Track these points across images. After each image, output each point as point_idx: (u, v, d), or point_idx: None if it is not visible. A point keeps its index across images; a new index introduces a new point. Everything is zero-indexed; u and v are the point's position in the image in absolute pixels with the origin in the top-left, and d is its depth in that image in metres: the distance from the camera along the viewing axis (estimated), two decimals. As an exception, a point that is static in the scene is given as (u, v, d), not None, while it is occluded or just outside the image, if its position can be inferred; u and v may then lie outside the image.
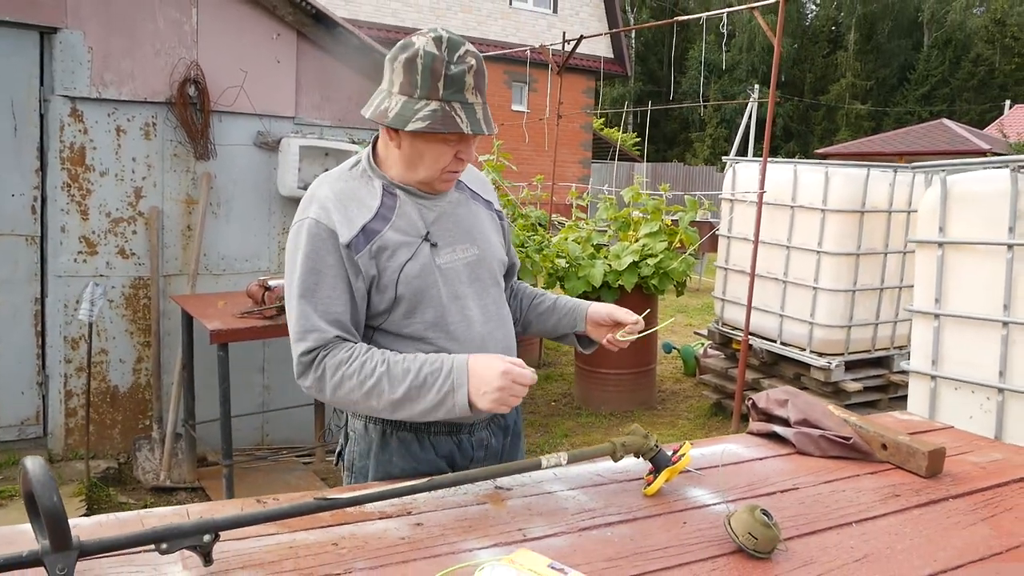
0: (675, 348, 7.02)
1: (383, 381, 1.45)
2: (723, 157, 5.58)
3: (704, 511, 1.48)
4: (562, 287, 5.57)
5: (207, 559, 1.14)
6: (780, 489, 1.61)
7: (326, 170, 4.42)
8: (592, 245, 5.88)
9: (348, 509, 1.36)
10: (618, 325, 1.77)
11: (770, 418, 1.98)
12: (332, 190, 1.56)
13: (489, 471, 1.44)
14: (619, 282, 5.36)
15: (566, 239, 5.94)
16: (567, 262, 5.61)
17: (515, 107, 16.93)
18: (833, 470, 1.74)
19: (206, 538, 1.13)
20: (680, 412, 5.75)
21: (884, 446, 1.78)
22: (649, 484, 1.53)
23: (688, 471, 1.63)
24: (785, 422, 1.93)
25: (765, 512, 1.33)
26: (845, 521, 1.47)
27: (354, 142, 4.41)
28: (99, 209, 3.97)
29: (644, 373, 5.82)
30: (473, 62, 1.49)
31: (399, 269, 1.54)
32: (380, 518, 1.38)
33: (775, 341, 5.21)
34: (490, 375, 1.43)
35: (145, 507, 3.69)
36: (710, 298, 7.10)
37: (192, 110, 3.97)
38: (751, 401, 2.04)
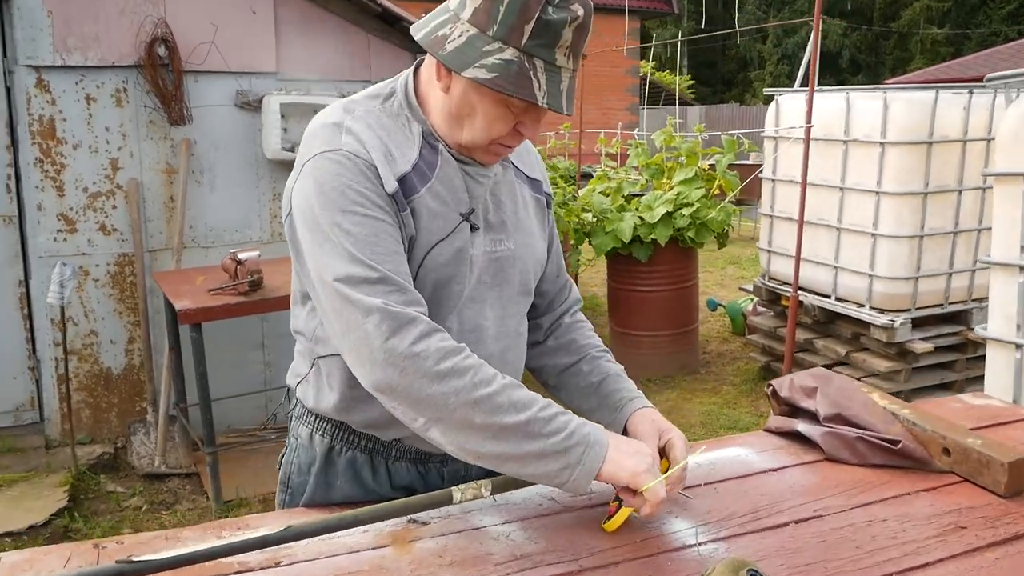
0: (720, 305, 6.52)
1: (503, 395, 1.04)
2: (765, 90, 5.02)
3: (682, 556, 1.09)
4: (589, 243, 5.14)
5: None
6: (796, 518, 1.20)
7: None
8: (623, 196, 5.40)
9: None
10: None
11: (795, 411, 1.56)
12: (366, 122, 1.13)
13: (364, 513, 1.07)
14: (652, 236, 4.89)
15: (593, 191, 5.48)
16: (594, 216, 5.16)
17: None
18: (873, 487, 1.31)
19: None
20: (725, 376, 5.29)
21: (946, 451, 1.35)
22: (611, 516, 1.14)
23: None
24: (813, 417, 1.50)
25: (754, 571, 0.93)
26: (884, 573, 1.06)
27: (343, 95, 4.03)
28: (75, 184, 3.71)
29: (685, 334, 5.38)
30: (580, 13, 1.05)
31: (427, 248, 1.14)
32: (239, 572, 1.04)
33: (829, 296, 4.69)
34: (639, 445, 1.12)
35: (134, 495, 3.48)
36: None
37: (163, 72, 3.65)
38: (771, 388, 1.61)
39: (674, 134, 5.23)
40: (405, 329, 1.02)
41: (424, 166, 1.14)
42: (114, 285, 3.86)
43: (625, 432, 1.27)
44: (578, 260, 5.51)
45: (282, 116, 3.91)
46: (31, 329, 3.81)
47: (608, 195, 5.45)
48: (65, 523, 3.07)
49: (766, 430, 1.56)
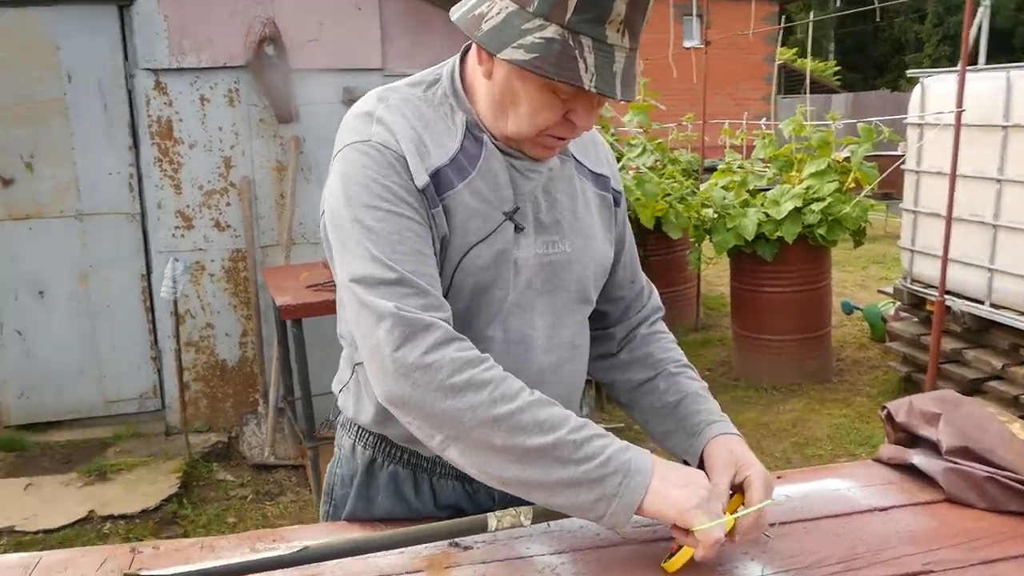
0: (857, 308, 6.05)
1: (527, 414, 0.92)
2: (909, 72, 4.57)
3: (751, 612, 0.94)
4: (710, 240, 4.88)
5: None
6: (901, 572, 1.02)
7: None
8: (747, 191, 5.10)
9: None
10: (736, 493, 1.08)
11: (913, 439, 1.35)
12: (400, 111, 1.04)
13: (384, 538, 0.98)
14: (778, 233, 4.58)
15: (715, 185, 5.21)
16: (714, 211, 4.90)
17: (688, 44, 15.71)
18: (1003, 540, 1.10)
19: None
20: (860, 387, 4.89)
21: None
22: (672, 554, 1.01)
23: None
24: (934, 448, 1.30)
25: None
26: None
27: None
28: (191, 182, 3.90)
29: (815, 339, 5.01)
30: None
31: (464, 250, 1.03)
32: None
33: (982, 303, 4.21)
34: (694, 476, 0.97)
35: (242, 484, 3.62)
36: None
37: (272, 71, 3.76)
38: (885, 411, 1.41)
39: (804, 123, 4.87)
40: (418, 336, 0.93)
41: (464, 160, 1.04)
42: (228, 280, 4.03)
43: (701, 462, 1.12)
44: (698, 258, 5.26)
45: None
46: (153, 321, 4.04)
47: (731, 189, 5.16)
48: (175, 509, 3.22)
49: (876, 460, 1.36)
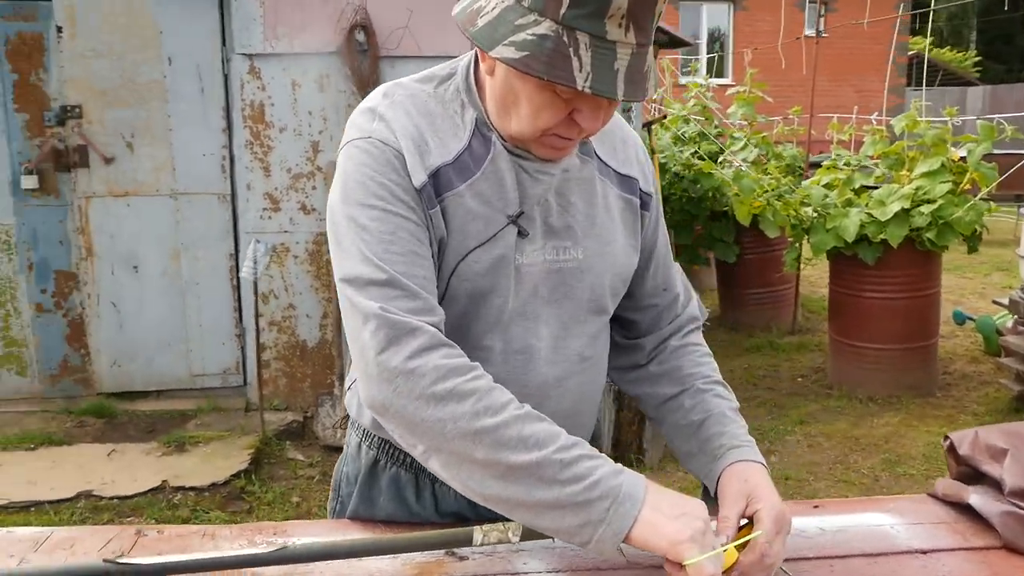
0: (969, 318, 5.63)
1: (512, 428, 0.88)
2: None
3: (748, 656, 0.88)
4: (808, 240, 4.66)
5: None
6: (928, 625, 0.93)
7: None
8: (852, 189, 4.82)
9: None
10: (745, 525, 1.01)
11: (976, 476, 1.23)
12: (404, 108, 1.01)
13: (361, 544, 0.97)
14: (881, 235, 4.31)
15: (818, 182, 4.95)
16: (814, 210, 4.66)
17: (810, 32, 14.97)
18: (1057, 598, 0.99)
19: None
20: (966, 403, 4.56)
21: None
22: None
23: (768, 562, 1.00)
24: (997, 487, 1.18)
25: None
26: None
27: (537, 77, 3.98)
28: (280, 165, 4.03)
29: (920, 349, 4.70)
30: None
31: (462, 254, 1.00)
32: None
33: (1114, 318, 3.84)
34: (691, 507, 0.89)
35: (311, 465, 3.72)
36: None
37: (361, 57, 3.83)
38: (948, 441, 1.29)
39: (919, 118, 4.55)
40: (403, 340, 0.90)
41: (470, 159, 1.01)
42: (311, 262, 4.15)
43: (717, 487, 1.05)
44: (795, 258, 5.03)
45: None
46: (238, 299, 4.21)
47: (835, 187, 4.90)
48: (243, 484, 3.35)
49: (931, 495, 1.25)
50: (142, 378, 4.18)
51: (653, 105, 7.86)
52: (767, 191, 5.11)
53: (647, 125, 4.82)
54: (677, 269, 1.25)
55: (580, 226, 1.06)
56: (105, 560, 0.91)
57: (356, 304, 0.92)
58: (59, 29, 3.80)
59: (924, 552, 1.08)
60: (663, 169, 5.87)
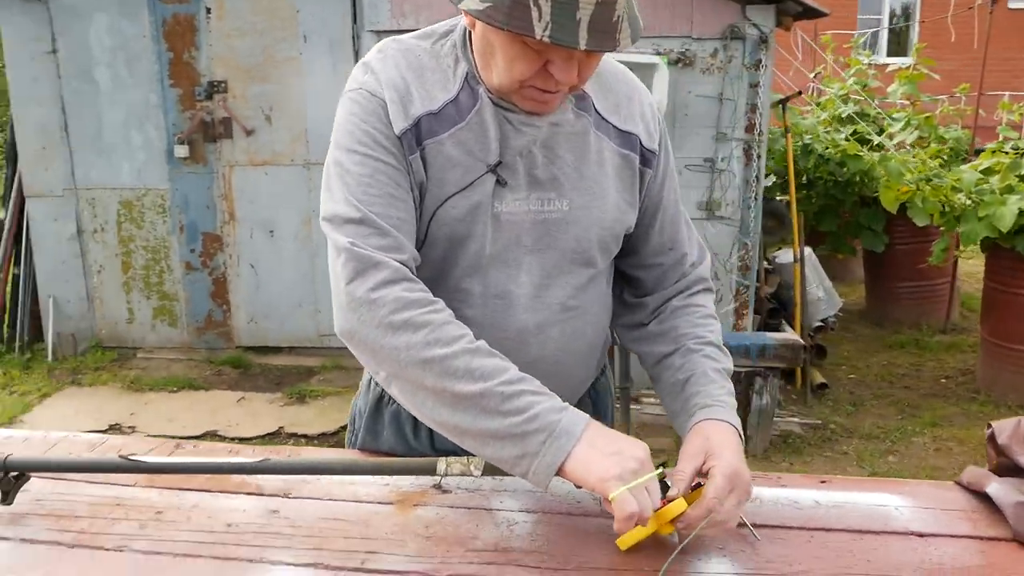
0: None
1: (460, 360, 0.94)
2: None
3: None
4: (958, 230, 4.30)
5: (6, 497, 1.08)
6: (889, 602, 0.90)
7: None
8: (1018, 175, 4.39)
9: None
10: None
11: (1015, 468, 1.15)
12: (394, 61, 1.07)
13: (338, 463, 1.06)
14: (1043, 227, 3.92)
15: (978, 167, 4.55)
16: (967, 196, 4.30)
17: (1014, 4, 13.50)
18: (1048, 592, 0.92)
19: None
20: None
21: None
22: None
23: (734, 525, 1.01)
24: (1009, 475, 1.10)
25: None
26: None
27: (659, 53, 3.92)
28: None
29: (1088, 358, 4.24)
30: None
31: (440, 200, 1.06)
32: (237, 492, 1.13)
33: None
34: (628, 447, 0.93)
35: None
36: None
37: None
38: (990, 431, 1.21)
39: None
40: (368, 273, 0.97)
41: (455, 110, 1.06)
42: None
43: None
44: (943, 250, 4.66)
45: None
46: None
47: (997, 172, 4.48)
48: (350, 437, 3.59)
49: (957, 483, 1.18)
50: (275, 335, 4.55)
51: (809, 85, 7.49)
52: (916, 175, 4.76)
53: (782, 102, 4.62)
54: (689, 229, 1.25)
55: (567, 178, 1.09)
56: (120, 456, 1.06)
57: (332, 240, 1.01)
58: (208, 10, 4.18)
59: (921, 535, 1.03)
60: (806, 151, 5.60)
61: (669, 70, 3.86)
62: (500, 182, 1.05)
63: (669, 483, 1.00)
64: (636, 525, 0.91)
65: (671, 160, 1.21)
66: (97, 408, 3.78)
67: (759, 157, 4.03)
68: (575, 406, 1.22)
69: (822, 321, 4.72)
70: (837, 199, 5.71)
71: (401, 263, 1.00)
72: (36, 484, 1.14)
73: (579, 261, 1.12)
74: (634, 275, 1.23)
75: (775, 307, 4.57)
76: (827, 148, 5.67)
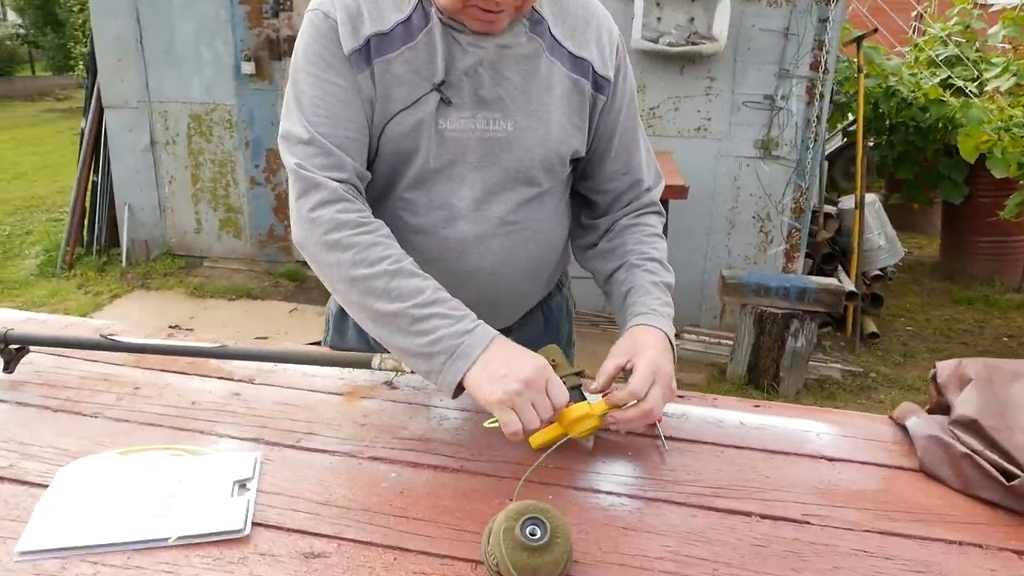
0: None
1: (380, 280, 1.02)
2: None
3: (571, 496, 0.97)
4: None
5: (7, 366, 1.24)
6: (772, 513, 0.95)
7: (691, 20, 3.97)
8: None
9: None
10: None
11: (946, 408, 1.16)
12: None
13: (291, 354, 1.16)
14: None
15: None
16: (1048, 146, 4.05)
17: None
18: (938, 522, 0.96)
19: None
20: None
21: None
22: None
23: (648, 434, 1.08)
24: (945, 414, 1.12)
25: (536, 520, 0.81)
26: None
27: (723, -20, 3.79)
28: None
29: None
30: None
31: (388, 117, 1.10)
32: (209, 375, 1.26)
33: None
34: (518, 368, 0.97)
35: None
36: None
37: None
38: (934, 370, 1.22)
39: None
40: (310, 193, 1.06)
41: (405, 31, 1.10)
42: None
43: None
44: (1018, 203, 4.42)
45: (656, 4, 3.87)
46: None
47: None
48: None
49: (890, 417, 1.20)
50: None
51: (912, 24, 7.07)
52: (996, 124, 4.50)
53: (857, 39, 4.41)
54: (648, 155, 1.28)
55: (512, 99, 1.13)
56: (100, 335, 1.19)
57: (284, 159, 1.10)
58: (276, -74, 4.26)
59: (831, 460, 1.07)
60: (889, 93, 5.35)
61: (732, 1, 3.74)
62: (444, 100, 1.11)
63: (586, 394, 1.07)
64: (526, 437, 0.98)
65: (630, 88, 1.23)
66: (161, 310, 4.06)
67: (822, 96, 3.89)
68: (523, 321, 1.31)
69: (880, 270, 4.59)
70: (917, 146, 5.45)
71: (342, 182, 1.07)
72: (39, 358, 1.29)
73: (521, 179, 1.17)
74: (590, 198, 1.28)
75: (831, 252, 4.47)
76: (911, 92, 5.39)
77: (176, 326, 3.90)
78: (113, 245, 4.90)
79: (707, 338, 4.07)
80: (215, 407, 1.17)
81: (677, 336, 4.12)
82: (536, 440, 1.04)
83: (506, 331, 1.30)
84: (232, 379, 1.26)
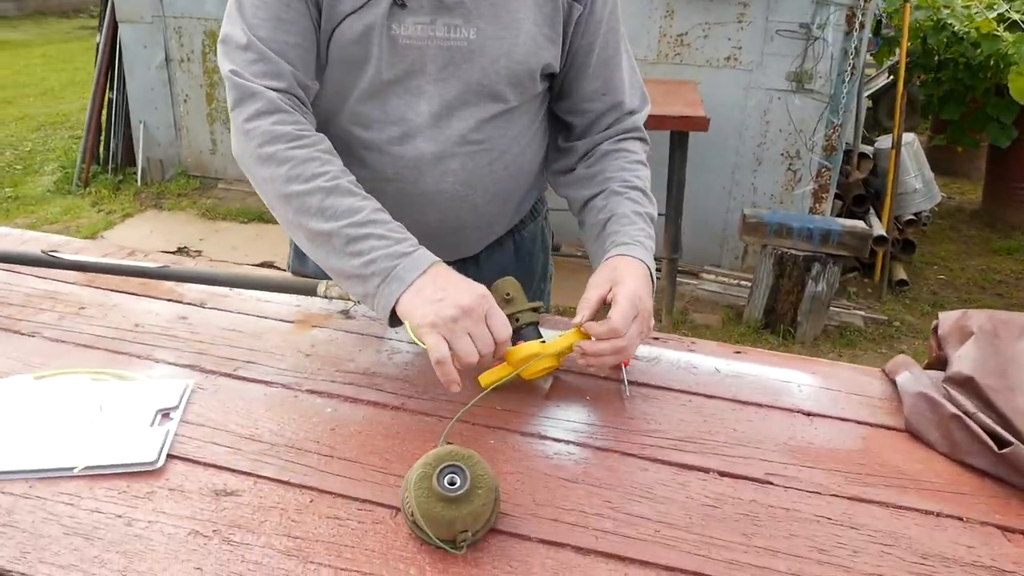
0: None
1: (314, 198, 0.93)
2: None
3: (513, 441, 0.90)
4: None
5: None
6: (732, 471, 0.88)
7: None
8: None
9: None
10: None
11: (944, 363, 1.06)
12: None
13: (237, 277, 1.09)
14: None
15: None
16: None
17: None
18: (917, 489, 0.87)
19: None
20: None
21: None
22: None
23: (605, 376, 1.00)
24: (943, 370, 1.02)
25: (455, 468, 0.74)
26: None
27: None
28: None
29: None
30: None
31: (336, 21, 1.00)
32: (159, 297, 1.20)
33: None
34: (455, 294, 0.88)
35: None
36: None
37: None
38: (936, 322, 1.12)
39: None
40: (246, 103, 0.97)
41: None
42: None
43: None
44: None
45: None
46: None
47: None
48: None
49: (883, 371, 1.10)
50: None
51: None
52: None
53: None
54: (633, 74, 1.16)
55: (476, 5, 1.01)
56: (42, 251, 1.13)
57: (220, 65, 1.01)
58: None
59: (808, 415, 0.98)
60: (938, 27, 5.05)
61: (770, -80, 3.49)
62: (398, 3, 0.99)
63: (541, 331, 0.99)
64: (462, 372, 0.90)
65: (612, 3, 1.11)
66: (171, 231, 4.03)
67: (862, 26, 3.65)
68: (491, 250, 1.21)
69: (915, 215, 4.39)
70: (966, 85, 5.15)
71: (280, 91, 0.98)
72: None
73: (485, 94, 1.06)
74: (566, 119, 1.17)
75: (863, 194, 4.28)
76: (963, 25, 5.07)
77: (184, 247, 3.88)
78: (129, 164, 4.86)
79: (726, 279, 3.95)
80: (158, 330, 1.11)
81: (695, 275, 4.02)
82: (485, 379, 0.96)
83: (473, 260, 1.22)
84: (182, 302, 1.19)
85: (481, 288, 0.90)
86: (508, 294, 0.98)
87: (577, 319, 0.96)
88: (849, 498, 0.83)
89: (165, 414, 0.92)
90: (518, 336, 0.97)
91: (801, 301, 3.37)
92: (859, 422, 0.97)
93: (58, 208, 4.31)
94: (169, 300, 1.20)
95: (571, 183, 1.17)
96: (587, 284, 0.99)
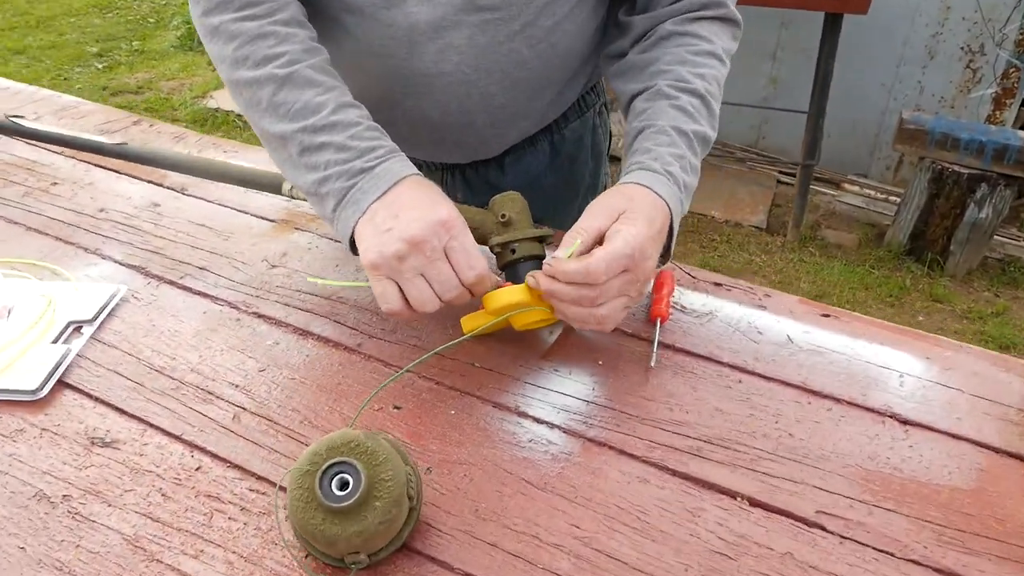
0: None
1: (266, 89, 0.71)
2: None
3: (486, 415, 0.69)
4: None
5: None
6: (795, 514, 0.63)
7: None
8: None
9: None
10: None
11: None
12: None
13: (191, 163, 0.90)
14: None
15: None
16: None
17: None
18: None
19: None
20: None
21: None
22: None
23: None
24: None
25: (347, 467, 0.53)
26: None
27: None
28: None
29: None
30: None
31: None
32: (140, 179, 1.05)
33: None
34: (405, 222, 0.66)
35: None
36: None
37: None
38: None
39: None
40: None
41: None
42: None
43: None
44: None
45: None
46: None
47: None
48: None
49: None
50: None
51: None
52: None
53: None
54: None
55: None
56: (7, 115, 0.98)
57: None
58: None
59: (904, 423, 0.70)
60: None
61: None
62: None
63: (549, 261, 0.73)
64: (413, 316, 0.68)
65: None
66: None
67: None
68: (518, 149, 0.95)
69: (1123, 133, 3.66)
70: None
71: None
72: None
73: None
74: None
75: (1059, 104, 3.58)
76: None
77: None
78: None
79: (871, 192, 3.46)
80: (121, 218, 0.95)
81: (836, 185, 3.56)
82: (467, 323, 0.73)
83: (496, 164, 0.97)
84: (163, 184, 1.03)
85: (444, 210, 0.66)
86: (504, 216, 0.74)
87: (560, 253, 0.68)
88: (938, 571, 0.57)
89: (77, 328, 0.76)
90: (514, 273, 0.73)
91: (958, 227, 2.88)
92: (981, 444, 0.68)
93: (177, 64, 4.30)
94: (149, 182, 1.03)
95: (622, 72, 0.86)
96: (588, 209, 0.72)
